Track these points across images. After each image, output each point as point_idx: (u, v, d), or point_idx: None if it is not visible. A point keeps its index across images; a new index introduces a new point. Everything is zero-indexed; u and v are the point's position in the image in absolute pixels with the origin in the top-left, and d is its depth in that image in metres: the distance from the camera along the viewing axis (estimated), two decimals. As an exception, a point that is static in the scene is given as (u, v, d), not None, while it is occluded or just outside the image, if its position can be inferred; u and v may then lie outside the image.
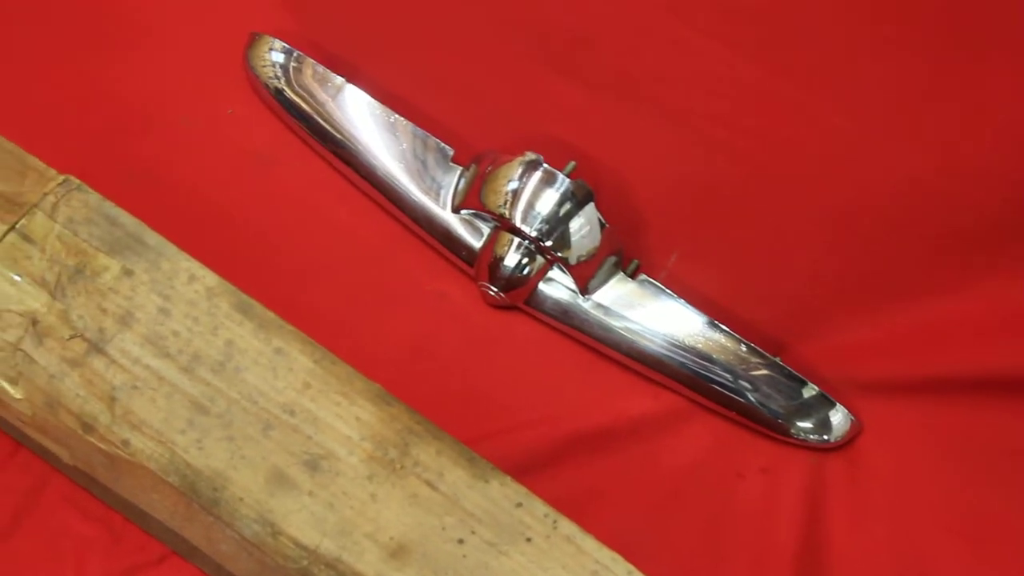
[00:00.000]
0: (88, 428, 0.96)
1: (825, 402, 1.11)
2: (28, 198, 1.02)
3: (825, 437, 1.11)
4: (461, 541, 0.94)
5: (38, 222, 1.01)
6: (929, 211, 1.03)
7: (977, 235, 1.02)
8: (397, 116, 1.17)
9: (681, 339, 1.12)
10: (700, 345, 1.11)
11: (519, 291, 1.13)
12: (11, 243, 1.00)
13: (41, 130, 1.15)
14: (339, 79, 1.18)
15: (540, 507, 0.96)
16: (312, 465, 0.95)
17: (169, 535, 1.00)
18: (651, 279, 1.13)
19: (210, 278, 1.01)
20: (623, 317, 1.13)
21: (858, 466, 1.12)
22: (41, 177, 1.03)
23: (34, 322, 0.98)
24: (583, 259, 1.11)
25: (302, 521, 0.94)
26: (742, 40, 1.02)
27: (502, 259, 1.12)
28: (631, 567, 0.95)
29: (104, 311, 0.99)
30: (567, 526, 0.95)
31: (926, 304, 1.07)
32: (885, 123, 1.00)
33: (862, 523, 1.09)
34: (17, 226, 1.00)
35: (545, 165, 1.10)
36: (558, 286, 1.14)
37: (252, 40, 1.21)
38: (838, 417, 1.11)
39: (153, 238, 1.02)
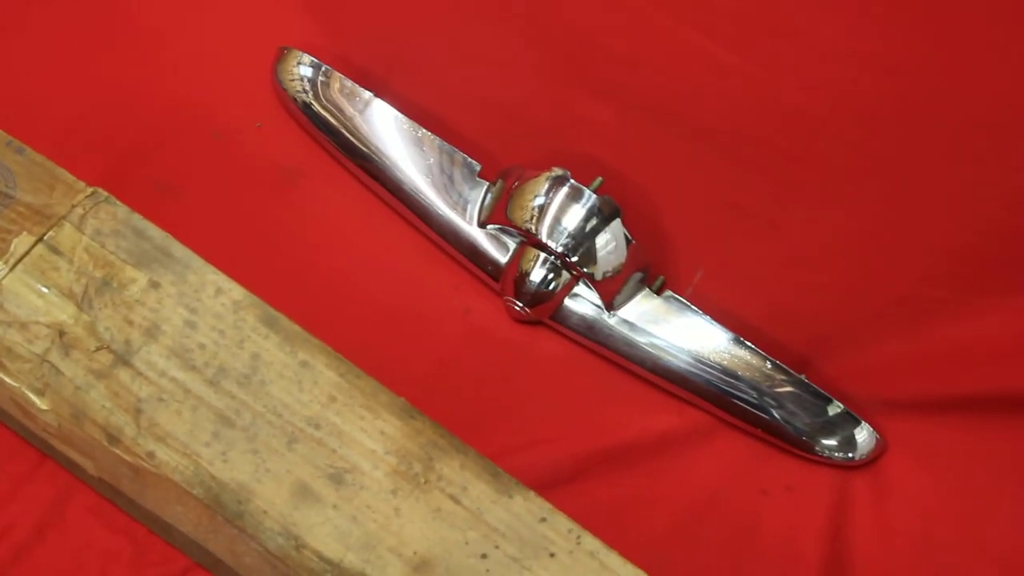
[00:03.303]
0: (113, 440, 0.96)
1: (850, 420, 1.11)
2: (56, 210, 1.02)
3: (850, 455, 1.11)
4: (484, 556, 0.94)
5: (66, 234, 1.01)
6: (955, 230, 1.02)
7: (1005, 253, 1.02)
8: (424, 131, 1.17)
9: (706, 356, 1.12)
10: (725, 362, 1.11)
11: (544, 306, 1.13)
12: (39, 255, 1.00)
13: (70, 143, 1.16)
14: (367, 93, 1.19)
15: (564, 522, 0.96)
16: (336, 479, 0.95)
17: (193, 547, 1.00)
18: (677, 295, 1.13)
19: (236, 291, 1.01)
20: (648, 333, 1.13)
21: (883, 484, 1.12)
22: (69, 189, 1.03)
23: (61, 334, 0.98)
24: (609, 275, 1.11)
25: (326, 534, 0.94)
26: (770, 57, 1.01)
27: (528, 274, 1.12)
28: (655, 583, 0.95)
29: (131, 323, 0.99)
30: (591, 542, 0.95)
31: (952, 322, 1.07)
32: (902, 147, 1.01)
33: (887, 541, 1.09)
34: (45, 238, 1.01)
35: (572, 181, 1.10)
36: (583, 302, 1.14)
37: (281, 54, 1.21)
38: (863, 435, 1.11)
39: (180, 251, 1.02)
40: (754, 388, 1.11)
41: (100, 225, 1.02)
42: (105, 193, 1.03)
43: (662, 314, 1.13)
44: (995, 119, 0.96)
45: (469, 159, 1.17)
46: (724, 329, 1.12)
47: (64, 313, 0.99)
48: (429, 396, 1.02)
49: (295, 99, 1.21)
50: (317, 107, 1.20)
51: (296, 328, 1.01)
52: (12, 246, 1.00)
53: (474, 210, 1.16)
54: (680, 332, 1.12)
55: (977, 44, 0.93)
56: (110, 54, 1.24)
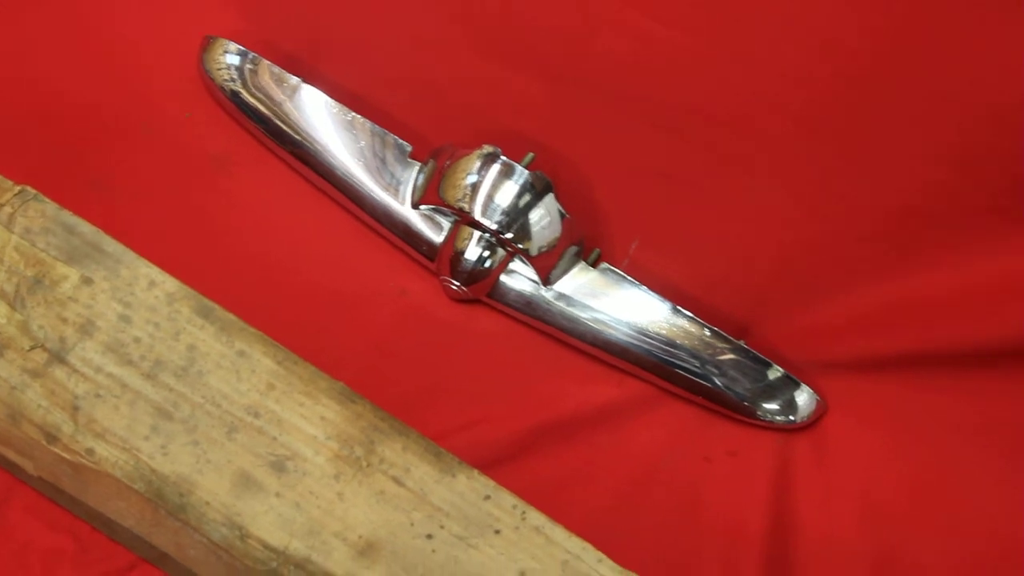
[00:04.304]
0: (51, 438, 0.95)
1: (790, 383, 1.11)
2: (-16, 210, 1.02)
3: (791, 418, 1.11)
4: (430, 536, 0.94)
5: (-5, 234, 1.01)
6: (886, 190, 1.03)
7: (936, 213, 1.02)
8: (354, 114, 1.17)
9: (644, 326, 1.12)
10: (664, 331, 1.11)
11: (481, 284, 1.13)
12: (-32, 256, 1.00)
13: (-5, 141, 1.16)
14: (295, 79, 1.18)
15: (508, 499, 0.96)
16: (278, 466, 0.95)
17: (137, 542, 1.00)
18: (613, 267, 1.14)
19: (170, 283, 1.01)
20: (586, 306, 1.13)
21: (825, 445, 1.12)
22: (-4, 188, 1.03)
23: (-6, 334, 0.98)
24: (544, 250, 1.11)
25: (270, 523, 0.94)
26: (697, 26, 1.02)
27: (463, 253, 1.12)
28: (601, 555, 0.95)
29: (64, 320, 0.98)
30: (536, 517, 0.96)
31: (887, 283, 1.07)
32: (837, 107, 1.01)
33: (830, 501, 1.10)
34: (-26, 238, 1.00)
35: (503, 157, 1.10)
36: (520, 278, 1.14)
37: (206, 43, 1.21)
38: (804, 397, 1.11)
39: (111, 245, 1.02)
40: (694, 356, 1.11)
41: (29, 223, 1.01)
42: (33, 191, 1.03)
43: (599, 286, 1.13)
44: (927, 80, 0.96)
45: (400, 140, 1.16)
46: (661, 299, 1.12)
47: (-4, 313, 0.98)
48: (368, 379, 1.03)
49: (223, 88, 1.20)
50: (245, 95, 1.19)
51: (232, 317, 1.00)
52: (-60, 248, 0.99)
53: (407, 191, 1.16)
54: (617, 304, 1.13)
55: (908, 6, 0.93)
56: (32, 50, 1.23)
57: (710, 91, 1.04)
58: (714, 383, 1.11)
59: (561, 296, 1.13)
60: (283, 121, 1.18)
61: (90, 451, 0.95)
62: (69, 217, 1.02)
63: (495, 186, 1.10)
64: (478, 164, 1.11)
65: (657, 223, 1.15)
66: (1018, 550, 1.06)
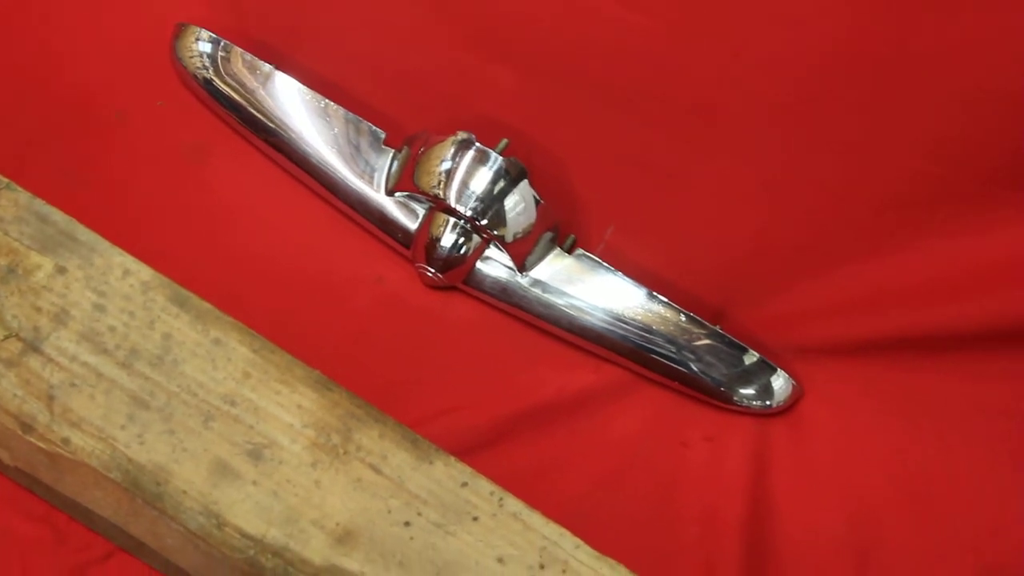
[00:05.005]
0: (27, 428, 0.95)
1: (766, 368, 1.11)
2: (-44, 199, 1.01)
3: (768, 402, 1.11)
4: (407, 523, 0.94)
5: (-33, 223, 1.00)
6: (861, 176, 1.03)
7: (909, 198, 1.03)
8: (328, 101, 1.16)
9: (620, 312, 1.12)
10: (640, 317, 1.11)
11: (457, 271, 1.13)
12: (-60, 245, 0.99)
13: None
14: (267, 67, 1.18)
15: (485, 486, 0.96)
16: (255, 454, 0.95)
17: (115, 531, 1.00)
18: (588, 253, 1.14)
19: (145, 272, 1.01)
20: (562, 292, 1.13)
21: (801, 429, 1.13)
22: (-32, 178, 1.02)
23: (-32, 324, 0.97)
24: (519, 236, 1.11)
25: (247, 511, 0.93)
26: (667, 11, 1.01)
27: (438, 240, 1.12)
28: (578, 541, 0.95)
29: (39, 310, 0.98)
30: (513, 503, 0.96)
31: (861, 268, 1.08)
32: (812, 93, 1.01)
33: (807, 485, 1.10)
34: (-54, 228, 1.00)
35: (477, 144, 1.10)
36: (496, 264, 1.14)
37: (178, 31, 1.20)
38: (779, 382, 1.11)
39: (85, 234, 1.01)
40: (670, 342, 1.11)
41: (2, 212, 1.01)
42: (6, 180, 1.03)
43: (574, 272, 1.13)
44: (906, 66, 0.96)
45: (374, 127, 1.16)
46: (637, 284, 1.12)
47: (-31, 303, 0.98)
48: (345, 367, 1.02)
49: (196, 76, 1.19)
50: (219, 83, 1.19)
51: (207, 306, 1.00)
52: (-87, 238, 0.99)
53: (381, 178, 1.15)
54: (593, 290, 1.13)
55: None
56: (2, 39, 1.22)
57: (685, 78, 1.04)
58: (690, 368, 1.11)
59: (537, 282, 1.13)
60: (256, 109, 1.18)
61: (66, 441, 0.95)
62: (42, 206, 1.02)
63: (469, 172, 1.10)
64: (452, 150, 1.10)
65: (632, 209, 1.14)
66: (999, 532, 1.07)
